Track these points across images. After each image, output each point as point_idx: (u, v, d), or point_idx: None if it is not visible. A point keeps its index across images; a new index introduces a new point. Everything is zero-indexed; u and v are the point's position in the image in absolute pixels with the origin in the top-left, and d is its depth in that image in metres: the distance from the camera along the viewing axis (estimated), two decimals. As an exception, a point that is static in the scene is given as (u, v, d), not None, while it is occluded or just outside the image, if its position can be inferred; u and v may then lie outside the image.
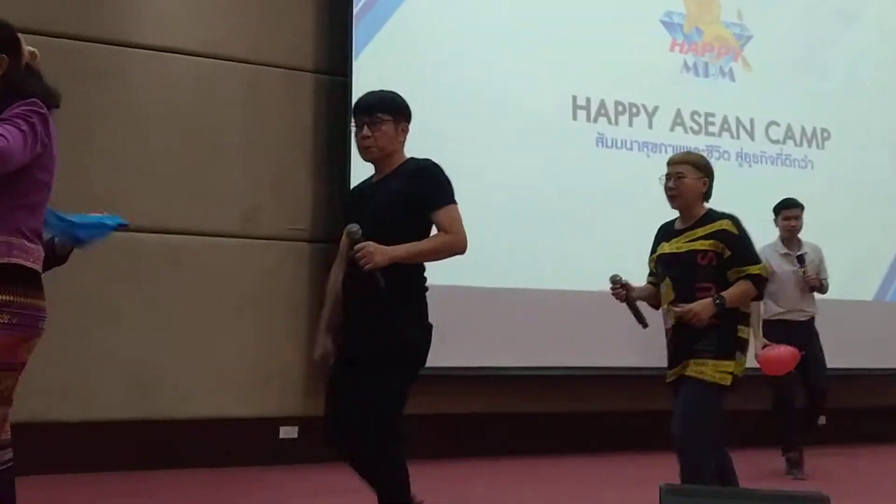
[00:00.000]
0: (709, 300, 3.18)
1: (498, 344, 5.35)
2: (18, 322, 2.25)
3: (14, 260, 2.25)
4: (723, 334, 3.19)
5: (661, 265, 3.36)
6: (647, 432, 5.32)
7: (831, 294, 5.23)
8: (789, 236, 5.06)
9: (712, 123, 6.26)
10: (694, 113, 6.21)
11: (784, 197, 5.15)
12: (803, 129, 6.55)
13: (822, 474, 4.89)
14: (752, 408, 5.01)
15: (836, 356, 5.32)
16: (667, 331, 3.36)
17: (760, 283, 3.27)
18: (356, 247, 2.72)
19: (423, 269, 2.90)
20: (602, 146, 5.88)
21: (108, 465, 4.64)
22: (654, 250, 3.43)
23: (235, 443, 4.89)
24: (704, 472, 3.07)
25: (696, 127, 6.21)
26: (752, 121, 6.38)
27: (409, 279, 2.84)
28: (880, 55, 6.83)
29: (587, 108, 5.88)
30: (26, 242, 2.29)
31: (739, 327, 3.25)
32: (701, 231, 3.31)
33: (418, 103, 5.22)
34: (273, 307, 5.06)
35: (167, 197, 4.94)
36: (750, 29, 6.45)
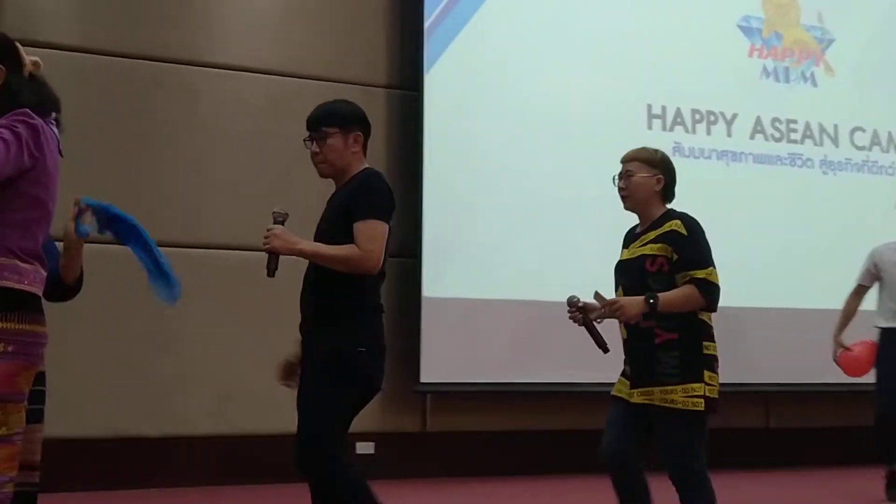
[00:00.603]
0: (640, 297, 2.84)
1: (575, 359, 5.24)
2: (15, 350, 2.09)
3: (5, 283, 2.09)
4: (686, 353, 2.85)
5: (617, 273, 3.07)
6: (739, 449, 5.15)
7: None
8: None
9: (794, 130, 6.06)
10: (775, 120, 6.02)
11: (870, 204, 4.94)
12: (890, 135, 6.29)
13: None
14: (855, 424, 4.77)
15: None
16: (623, 342, 3.02)
17: (707, 290, 2.85)
18: (267, 227, 2.65)
19: (376, 285, 2.74)
20: (679, 156, 5.73)
21: (192, 480, 4.69)
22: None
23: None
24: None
25: (777, 134, 6.02)
26: (835, 127, 6.15)
27: (352, 292, 2.67)
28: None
29: (663, 116, 5.76)
30: (20, 263, 2.12)
31: (705, 343, 2.89)
32: (653, 234, 2.98)
33: (489, 116, 5.29)
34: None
35: (245, 214, 4.98)
36: (831, 32, 6.25)
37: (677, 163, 6.04)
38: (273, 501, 4.45)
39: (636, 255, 2.97)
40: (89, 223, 2.46)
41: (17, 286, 2.11)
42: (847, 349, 4.54)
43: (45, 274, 2.22)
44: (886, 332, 4.46)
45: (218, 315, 4.88)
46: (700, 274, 2.87)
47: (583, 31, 5.61)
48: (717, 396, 2.87)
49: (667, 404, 2.83)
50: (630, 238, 3.11)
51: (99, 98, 4.74)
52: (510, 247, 5.15)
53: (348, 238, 2.65)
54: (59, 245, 2.59)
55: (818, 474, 5.54)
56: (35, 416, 2.70)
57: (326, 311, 2.67)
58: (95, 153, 4.67)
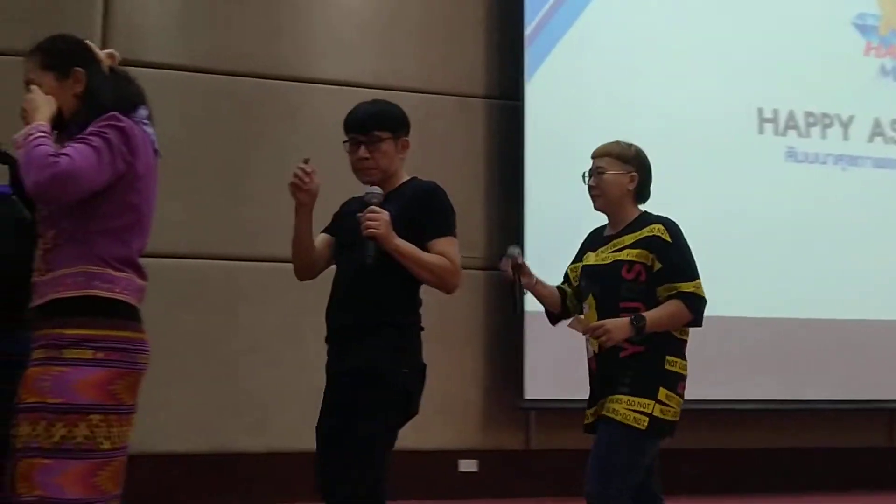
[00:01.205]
0: (625, 320, 2.57)
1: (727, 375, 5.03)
2: (106, 357, 2.01)
3: (93, 292, 2.03)
4: (645, 366, 2.58)
5: (585, 279, 2.80)
6: None
7: None
8: None
9: (917, 132, 5.72)
10: (894, 122, 5.70)
11: None
12: None
13: None
14: None
15: None
16: (589, 361, 2.76)
17: (696, 305, 2.60)
18: (369, 208, 2.41)
19: (419, 302, 2.56)
20: (792, 161, 5.48)
21: (297, 495, 4.68)
22: (577, 258, 2.89)
23: (414, 475, 4.82)
24: None
25: (897, 137, 5.70)
26: (961, 127, 5.79)
27: (398, 306, 2.47)
28: None
29: (774, 120, 5.49)
30: (111, 271, 2.05)
31: (669, 358, 2.61)
32: (629, 238, 2.71)
33: (592, 124, 5.14)
34: (449, 337, 4.98)
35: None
36: (956, 27, 5.89)
37: (790, 169, 5.88)
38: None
39: (610, 261, 2.70)
40: None
41: (106, 294, 2.04)
42: None
43: (141, 283, 2.15)
44: None
45: (321, 329, 4.86)
46: (688, 287, 2.62)
47: (688, 33, 5.41)
48: (671, 419, 2.57)
49: (609, 413, 2.57)
50: (597, 241, 2.84)
51: (204, 115, 4.80)
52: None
53: None
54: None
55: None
56: None
57: (367, 325, 2.45)
58: (200, 170, 4.73)
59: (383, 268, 2.42)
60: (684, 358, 2.67)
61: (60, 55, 2.17)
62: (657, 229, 2.70)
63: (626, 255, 2.68)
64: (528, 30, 5.15)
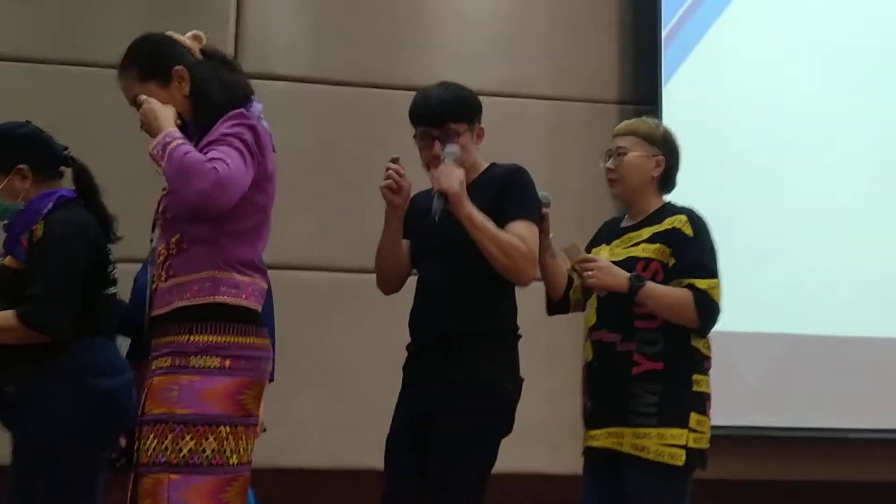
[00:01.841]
0: (625, 273, 2.26)
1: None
2: (234, 366, 1.93)
3: (220, 299, 1.95)
4: (670, 389, 2.25)
5: None
6: None
7: None
8: None
9: None
10: None
11: None
12: None
13: None
14: None
15: None
16: (584, 367, 2.46)
17: (705, 306, 2.27)
18: (443, 163, 2.17)
19: (516, 307, 2.29)
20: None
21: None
22: (588, 249, 2.55)
23: (546, 499, 4.67)
24: None
25: None
26: None
27: (497, 310, 2.24)
28: None
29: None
30: (236, 276, 1.98)
31: (696, 378, 2.32)
32: (647, 231, 2.39)
33: (736, 130, 4.83)
34: (580, 357, 4.79)
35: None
36: None
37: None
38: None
39: (623, 258, 2.39)
40: None
41: (233, 301, 1.97)
42: None
43: (265, 286, 2.08)
44: None
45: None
46: (701, 284, 2.29)
47: (839, 33, 5.01)
48: (705, 447, 2.32)
49: (637, 452, 2.26)
50: (612, 233, 2.53)
51: (331, 127, 4.82)
52: (761, 274, 4.65)
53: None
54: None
55: None
56: None
57: (468, 333, 2.23)
58: (330, 182, 4.74)
59: (477, 269, 2.22)
60: (708, 373, 2.40)
61: (155, 59, 2.08)
62: (679, 220, 2.39)
63: (641, 251, 2.37)
64: (665, 31, 4.90)
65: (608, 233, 2.56)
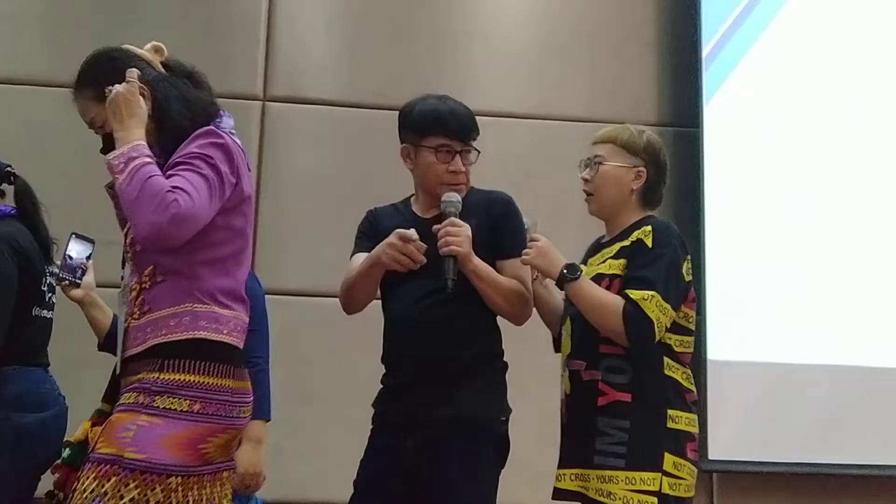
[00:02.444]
0: (561, 258, 2.10)
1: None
2: (203, 410, 1.74)
3: (200, 334, 1.78)
4: (639, 425, 1.99)
5: (566, 301, 2.25)
6: None
7: None
8: None
9: None
10: None
11: None
12: None
13: None
14: None
15: None
16: (562, 401, 2.20)
17: (634, 317, 2.00)
18: (449, 220, 2.07)
19: (500, 333, 2.22)
20: None
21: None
22: None
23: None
24: None
25: None
26: None
27: (491, 344, 2.18)
28: None
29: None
30: (217, 309, 1.81)
31: (671, 413, 2.03)
32: (617, 246, 2.18)
33: (781, 151, 4.64)
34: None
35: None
36: None
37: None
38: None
39: (593, 275, 2.17)
40: None
41: (213, 337, 1.80)
42: None
43: (247, 320, 1.91)
44: None
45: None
46: (635, 294, 2.03)
47: (885, 50, 4.80)
48: (685, 496, 2.00)
49: (603, 499, 1.98)
50: (593, 250, 2.33)
51: (362, 149, 4.69)
52: (816, 303, 4.45)
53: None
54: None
55: None
56: None
57: (460, 365, 2.15)
58: (359, 207, 4.60)
59: (464, 293, 2.11)
60: (691, 411, 2.11)
61: (112, 76, 1.88)
62: (644, 232, 2.15)
63: (608, 268, 2.17)
64: (707, 49, 4.74)
65: (593, 250, 2.37)
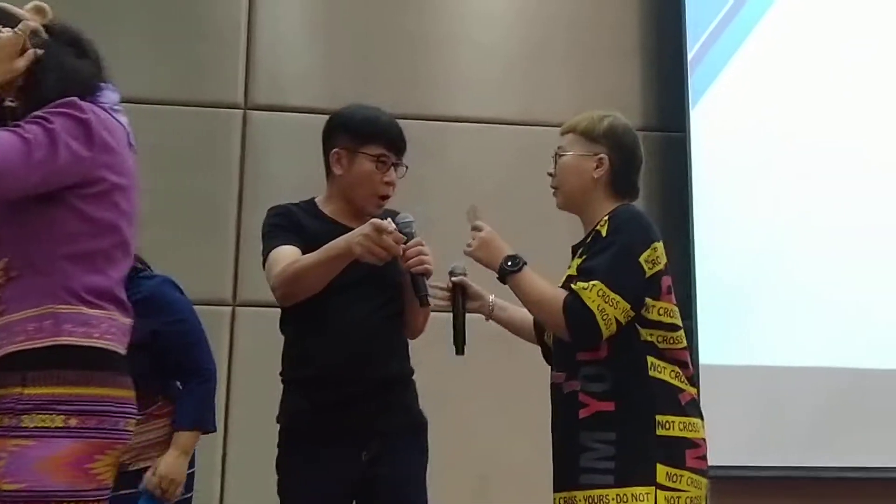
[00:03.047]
0: (501, 253, 1.97)
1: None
2: (80, 424, 1.52)
3: (64, 339, 1.54)
4: (626, 436, 1.82)
5: None
6: None
7: None
8: None
9: None
10: None
11: None
12: None
13: None
14: None
15: None
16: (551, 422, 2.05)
17: (573, 307, 1.84)
18: (416, 241, 2.05)
19: None
20: None
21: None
22: None
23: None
24: None
25: None
26: None
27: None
28: None
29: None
30: (86, 309, 1.57)
31: (661, 418, 1.84)
32: (584, 244, 2.05)
33: (770, 156, 4.61)
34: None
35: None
36: None
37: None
38: None
39: (565, 278, 2.02)
40: None
41: (82, 342, 1.56)
42: None
43: (126, 322, 1.66)
44: None
45: (476, 388, 4.49)
46: (580, 285, 1.87)
47: (870, 52, 4.78)
48: None
49: None
50: (573, 254, 2.15)
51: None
52: (807, 306, 4.43)
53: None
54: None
55: None
56: None
57: (404, 376, 2.27)
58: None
59: (399, 308, 2.20)
60: (687, 414, 1.89)
61: None
62: (601, 222, 1.99)
63: (575, 268, 2.00)
64: (692, 52, 4.71)
65: (573, 252, 2.19)
